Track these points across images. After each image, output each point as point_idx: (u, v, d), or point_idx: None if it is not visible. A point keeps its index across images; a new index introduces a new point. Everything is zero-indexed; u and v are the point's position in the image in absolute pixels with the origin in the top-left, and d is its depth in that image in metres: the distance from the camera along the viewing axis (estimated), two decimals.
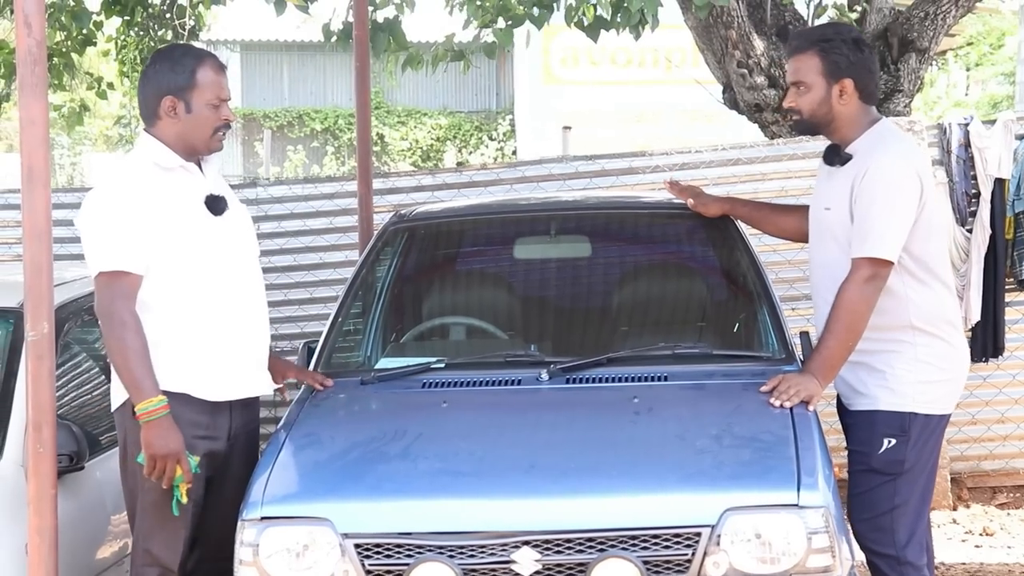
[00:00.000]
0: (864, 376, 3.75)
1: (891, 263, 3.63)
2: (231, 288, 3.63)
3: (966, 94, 20.54)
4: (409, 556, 3.14)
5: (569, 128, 14.50)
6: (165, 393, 3.43)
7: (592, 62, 20.67)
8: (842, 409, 3.90)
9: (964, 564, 5.66)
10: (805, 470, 3.24)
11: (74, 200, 6.21)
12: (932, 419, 3.73)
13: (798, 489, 3.18)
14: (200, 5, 7.77)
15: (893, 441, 3.69)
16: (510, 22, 6.32)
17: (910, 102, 7.45)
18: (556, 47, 20.61)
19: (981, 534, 6.09)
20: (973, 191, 6.41)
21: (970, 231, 6.37)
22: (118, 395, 3.56)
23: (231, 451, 3.67)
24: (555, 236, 4.75)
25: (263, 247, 4.06)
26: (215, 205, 3.63)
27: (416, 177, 6.90)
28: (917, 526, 3.74)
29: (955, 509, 6.43)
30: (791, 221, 4.23)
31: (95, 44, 7.83)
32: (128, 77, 8.53)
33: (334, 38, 6.54)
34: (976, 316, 6.31)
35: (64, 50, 7.59)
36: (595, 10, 6.24)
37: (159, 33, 8.08)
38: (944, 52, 16.76)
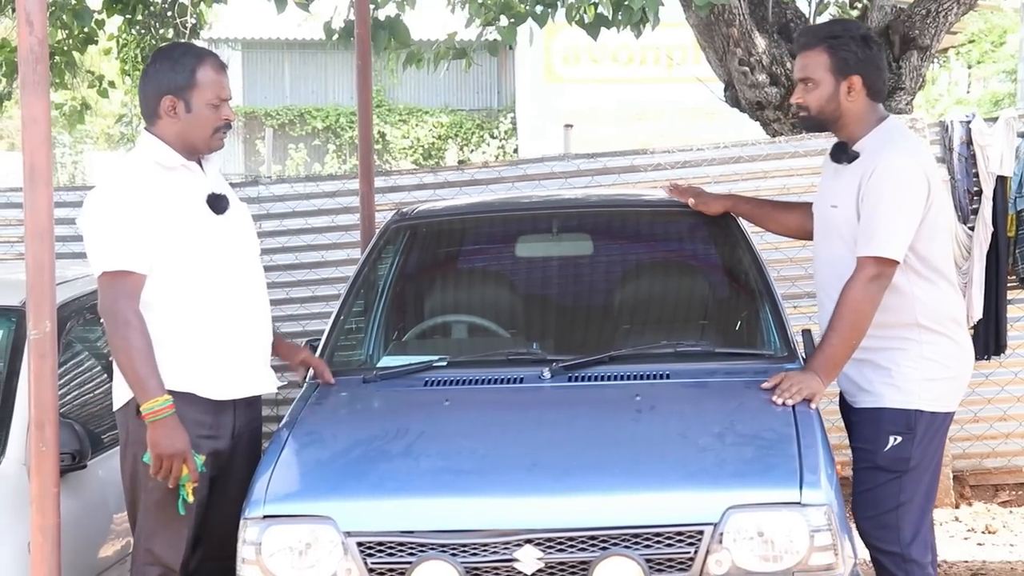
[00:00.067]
0: (869, 373, 3.75)
1: (897, 262, 3.63)
2: (233, 287, 3.63)
3: (968, 92, 20.52)
4: (412, 554, 3.14)
5: (571, 126, 14.48)
6: (170, 392, 3.42)
7: (593, 60, 20.68)
8: (845, 407, 3.89)
9: (966, 562, 5.66)
10: (808, 468, 3.24)
11: (76, 199, 6.21)
12: (937, 417, 3.73)
13: (800, 487, 3.17)
14: (201, 3, 7.78)
15: (899, 439, 3.69)
16: (512, 20, 6.32)
17: (912, 100, 7.45)
18: (557, 45, 20.62)
19: (983, 532, 6.09)
20: (975, 189, 6.40)
21: (972, 229, 6.36)
22: (120, 395, 3.56)
23: (234, 450, 3.67)
24: (557, 234, 4.74)
25: (265, 245, 4.06)
26: (217, 204, 3.63)
27: (418, 175, 6.90)
28: (922, 524, 3.74)
29: (957, 507, 6.43)
30: (793, 218, 4.23)
31: (96, 42, 7.83)
32: (129, 75, 8.54)
33: (335, 36, 6.54)
34: (978, 314, 6.31)
35: (66, 48, 7.59)
36: (596, 8, 6.24)
37: (160, 31, 8.09)
38: (946, 49, 16.78)
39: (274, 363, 3.85)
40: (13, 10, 4.23)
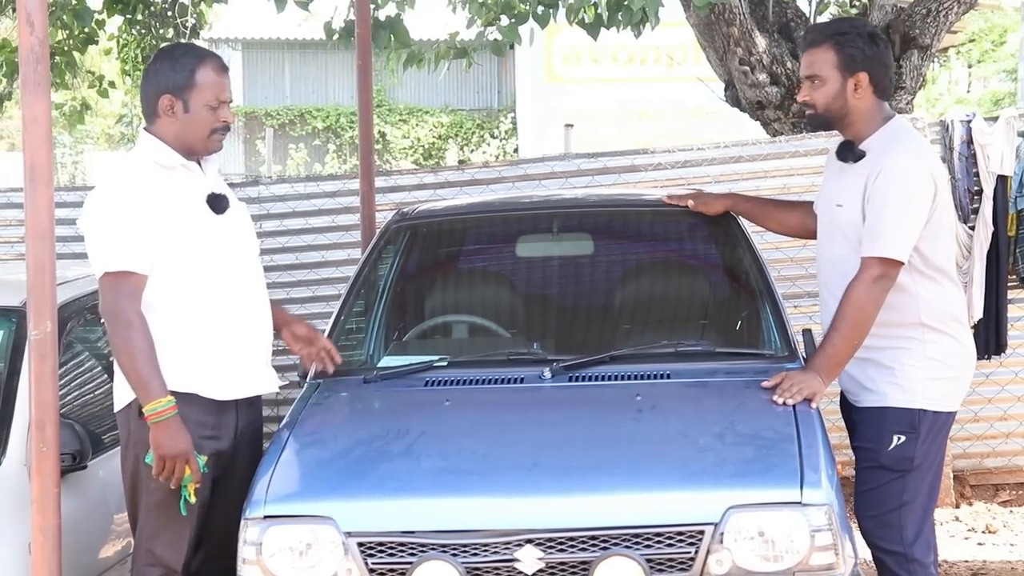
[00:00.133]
0: (872, 373, 3.75)
1: (901, 263, 3.63)
2: (234, 287, 3.63)
3: (968, 91, 20.52)
4: (412, 555, 3.14)
5: (571, 126, 14.49)
6: (172, 393, 3.42)
7: (594, 60, 20.66)
8: (847, 406, 3.89)
9: (967, 562, 5.66)
10: (808, 467, 3.24)
11: (76, 199, 6.22)
12: (940, 416, 3.73)
13: (801, 487, 3.17)
14: (202, 3, 7.78)
15: (903, 438, 3.68)
16: (513, 19, 6.32)
17: (912, 99, 7.45)
18: (558, 45, 20.61)
19: (984, 532, 6.09)
20: (975, 188, 6.40)
21: (972, 228, 6.36)
22: (121, 396, 3.55)
23: (236, 450, 3.66)
24: (557, 234, 4.74)
25: (265, 245, 4.06)
26: (217, 204, 3.63)
27: (418, 175, 6.90)
28: (924, 523, 3.74)
29: (958, 507, 6.43)
30: (794, 218, 4.22)
31: (97, 42, 7.84)
32: (130, 75, 8.54)
33: (336, 36, 6.54)
34: (979, 313, 6.30)
35: (66, 48, 7.59)
36: (596, 9, 6.24)
37: (161, 31, 8.09)
38: (946, 49, 16.77)
39: (275, 363, 3.85)
40: (13, 10, 4.24)
